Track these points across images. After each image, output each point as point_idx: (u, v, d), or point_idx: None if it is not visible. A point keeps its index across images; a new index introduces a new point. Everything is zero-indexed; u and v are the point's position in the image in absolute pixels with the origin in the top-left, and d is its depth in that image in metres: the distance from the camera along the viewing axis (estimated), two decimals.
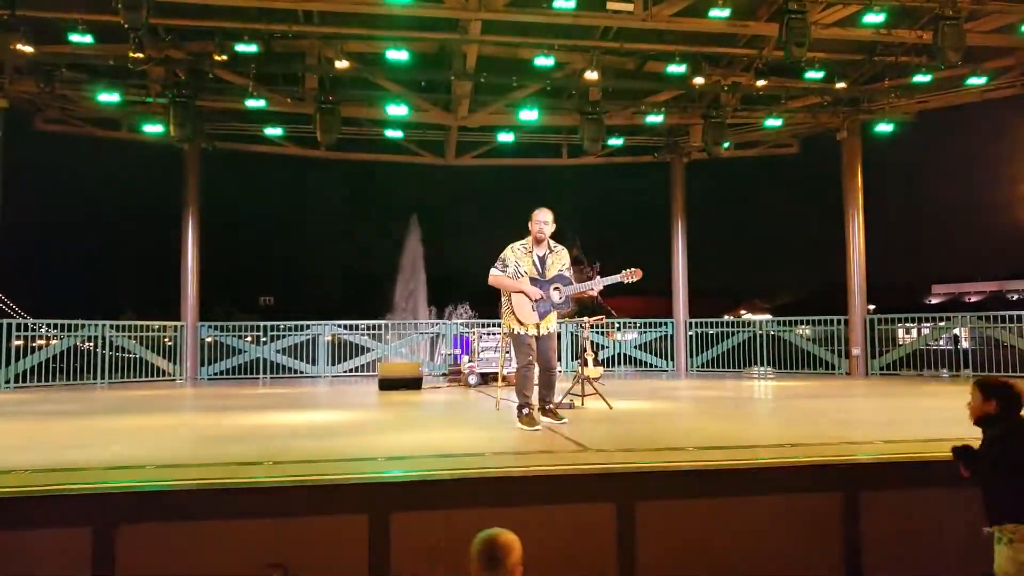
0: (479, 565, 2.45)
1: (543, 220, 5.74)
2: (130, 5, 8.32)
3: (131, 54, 10.02)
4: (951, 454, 3.37)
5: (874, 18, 9.77)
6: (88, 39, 9.75)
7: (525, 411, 5.68)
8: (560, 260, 5.88)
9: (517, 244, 5.82)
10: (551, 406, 5.94)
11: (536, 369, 5.80)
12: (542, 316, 5.71)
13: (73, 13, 9.61)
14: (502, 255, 5.77)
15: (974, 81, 11.46)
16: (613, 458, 4.42)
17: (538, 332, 5.73)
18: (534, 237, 5.78)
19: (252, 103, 11.67)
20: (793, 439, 5.06)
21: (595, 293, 5.98)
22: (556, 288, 5.75)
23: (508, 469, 3.96)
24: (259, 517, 3.48)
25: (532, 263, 5.74)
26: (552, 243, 5.87)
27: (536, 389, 5.89)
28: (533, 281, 5.71)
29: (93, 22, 9.65)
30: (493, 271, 5.74)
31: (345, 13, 10.09)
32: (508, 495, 3.71)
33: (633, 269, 5.90)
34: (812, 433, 5.54)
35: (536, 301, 5.66)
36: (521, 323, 5.66)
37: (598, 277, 5.99)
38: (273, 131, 13.26)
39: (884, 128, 12.88)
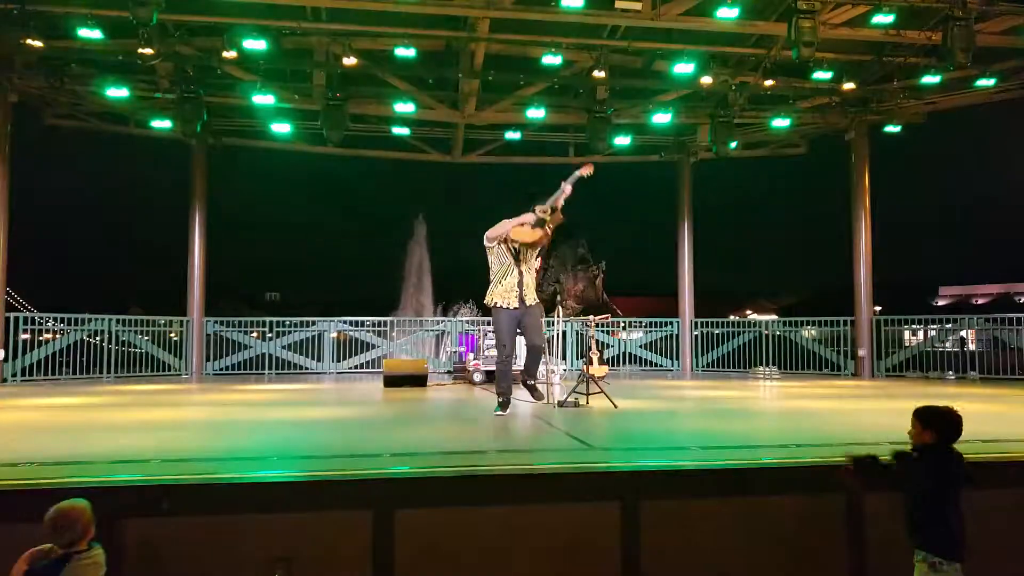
0: (47, 534, 2.82)
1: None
2: (139, 1, 8.35)
3: (140, 49, 10.04)
4: (849, 462, 3.32)
5: (883, 19, 9.72)
6: (97, 34, 9.79)
7: (501, 399, 6.36)
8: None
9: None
10: (531, 382, 6.47)
11: (521, 352, 6.62)
12: (534, 228, 6.17)
13: (82, 8, 9.64)
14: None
15: (983, 83, 11.40)
16: (618, 457, 4.42)
17: (524, 304, 6.23)
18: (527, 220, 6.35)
19: (260, 99, 11.70)
20: (798, 439, 5.05)
21: (568, 192, 6.37)
22: (532, 210, 6.25)
23: (512, 467, 3.96)
24: (264, 511, 3.49)
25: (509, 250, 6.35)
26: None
27: (522, 368, 6.61)
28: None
29: (102, 17, 9.70)
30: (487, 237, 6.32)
31: (353, 10, 10.11)
32: (512, 493, 3.71)
33: (587, 164, 6.46)
34: (817, 433, 5.53)
35: (522, 225, 6.19)
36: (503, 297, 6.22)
37: (562, 181, 6.40)
38: (280, 127, 13.28)
39: (892, 129, 12.82)
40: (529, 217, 6.21)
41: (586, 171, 6.39)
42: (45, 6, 9.74)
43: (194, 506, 3.46)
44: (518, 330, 6.37)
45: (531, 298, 6.31)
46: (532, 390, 6.40)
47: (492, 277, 6.34)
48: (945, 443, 3.11)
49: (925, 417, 3.16)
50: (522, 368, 6.59)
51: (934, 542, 3.06)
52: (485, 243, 6.34)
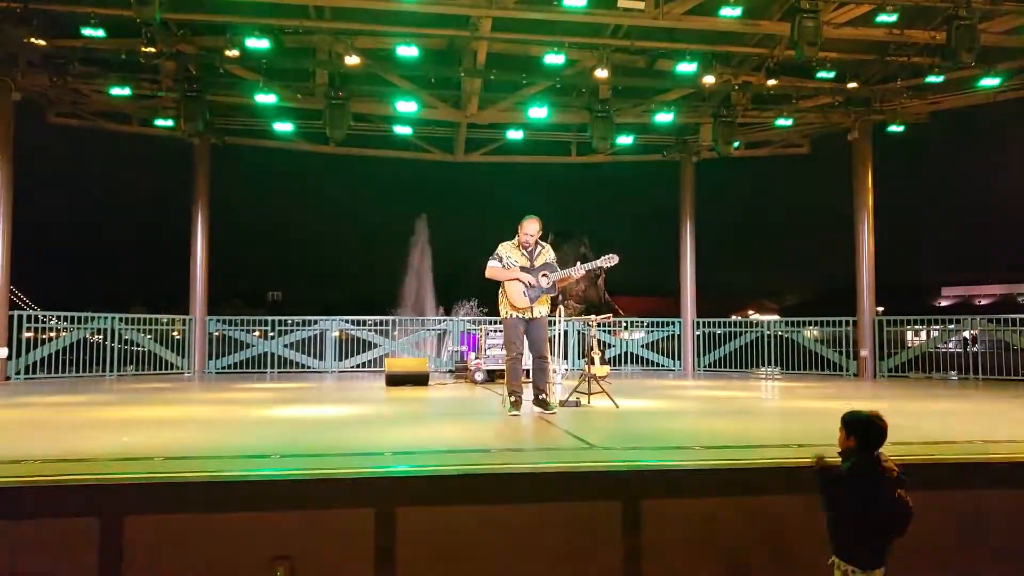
0: None
1: (529, 232, 6.39)
2: (142, 0, 8.35)
3: (143, 48, 10.06)
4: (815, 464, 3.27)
5: (887, 18, 9.68)
6: (100, 33, 9.80)
7: (513, 398, 6.36)
8: (547, 253, 6.49)
9: (508, 243, 6.47)
10: (543, 396, 6.42)
11: (528, 358, 6.55)
12: (532, 300, 6.28)
13: (86, 7, 9.65)
14: (496, 251, 6.44)
15: (987, 82, 11.36)
16: (619, 456, 4.42)
17: (531, 314, 6.29)
18: (521, 242, 6.44)
19: (262, 98, 11.70)
20: (800, 439, 5.04)
21: (578, 276, 6.48)
22: (544, 275, 6.34)
23: (514, 466, 3.96)
24: (266, 510, 3.50)
25: (522, 255, 6.40)
26: (540, 243, 6.49)
27: (531, 380, 6.58)
28: (523, 269, 6.32)
29: (105, 16, 9.70)
30: (489, 263, 6.39)
31: (356, 9, 10.10)
32: (514, 492, 3.71)
33: (610, 255, 6.51)
34: (819, 433, 5.52)
35: (528, 287, 6.25)
36: (514, 307, 6.26)
37: (579, 263, 6.56)
38: (283, 126, 13.29)
39: (895, 129, 12.78)
40: (528, 279, 6.24)
41: (607, 263, 6.45)
42: (48, 5, 9.75)
43: (196, 504, 3.47)
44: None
45: (539, 310, 6.34)
46: (544, 404, 6.40)
47: (501, 288, 6.37)
48: (865, 449, 3.09)
49: (848, 423, 3.15)
50: (531, 382, 6.64)
51: (848, 550, 3.04)
52: (487, 275, 6.42)
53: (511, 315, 6.29)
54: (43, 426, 5.93)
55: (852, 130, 13.20)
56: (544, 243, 6.53)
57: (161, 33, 10.17)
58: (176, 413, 7.12)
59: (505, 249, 6.41)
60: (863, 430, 3.10)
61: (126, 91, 11.53)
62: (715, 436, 5.27)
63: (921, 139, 13.87)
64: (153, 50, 10.24)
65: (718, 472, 3.99)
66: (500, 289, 6.39)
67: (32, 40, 9.90)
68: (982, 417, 6.72)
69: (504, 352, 10.45)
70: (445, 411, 7.63)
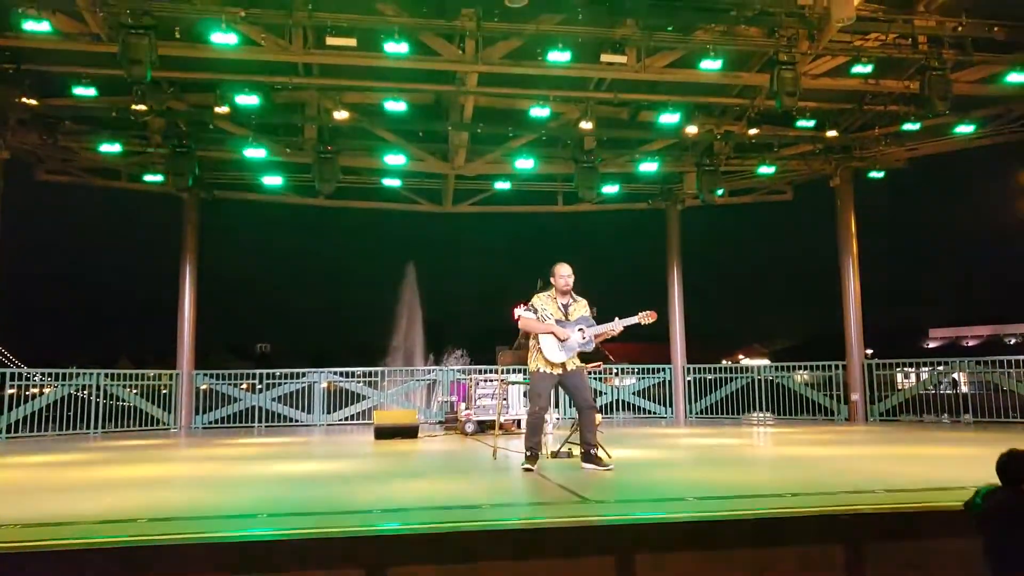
0: None
1: (565, 274, 6.15)
2: (133, 59, 8.49)
3: (133, 106, 10.18)
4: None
5: (862, 69, 9.94)
6: (91, 92, 9.91)
7: (529, 453, 5.98)
8: (581, 307, 6.22)
9: (543, 294, 6.23)
10: (594, 451, 6.09)
11: (551, 412, 6.31)
12: (567, 356, 6.05)
13: (77, 67, 9.78)
14: (531, 302, 6.19)
15: (962, 129, 11.67)
16: (612, 509, 4.36)
17: (564, 370, 6.03)
18: (559, 290, 6.16)
19: (252, 152, 11.81)
20: (794, 488, 5.00)
21: (616, 333, 6.23)
22: (580, 329, 6.09)
23: (506, 522, 3.89)
24: (253, 572, 3.41)
25: (557, 308, 6.13)
26: (574, 294, 6.23)
27: (578, 432, 6.26)
28: (558, 323, 6.07)
29: (96, 75, 9.83)
30: (525, 314, 6.14)
31: (344, 66, 10.28)
32: (506, 548, 3.64)
33: (650, 312, 6.26)
34: (813, 481, 5.47)
35: (563, 341, 5.99)
36: (549, 363, 5.99)
37: (617, 319, 6.25)
38: (272, 180, 13.38)
39: (876, 175, 13.04)
40: (564, 334, 5.95)
41: (646, 320, 6.24)
42: (40, 65, 9.89)
43: (180, 567, 3.37)
44: (561, 390, 6.25)
45: (572, 363, 6.08)
46: (596, 460, 6.02)
47: (534, 340, 6.07)
48: (1005, 484, 3.20)
49: (1000, 459, 3.28)
50: (579, 440, 6.20)
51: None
52: (520, 326, 6.22)
53: (541, 369, 6.00)
54: (23, 488, 5.78)
55: (834, 176, 13.45)
56: (580, 297, 6.24)
57: (152, 91, 10.31)
58: (161, 471, 6.98)
59: (541, 301, 6.15)
60: (1001, 464, 3.25)
61: (116, 148, 11.61)
62: (709, 487, 5.21)
63: (903, 183, 14.15)
64: (144, 108, 10.36)
65: (713, 524, 3.93)
66: (532, 341, 6.10)
67: (23, 100, 10.00)
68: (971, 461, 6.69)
69: (494, 403, 10.38)
70: (435, 465, 7.52)
